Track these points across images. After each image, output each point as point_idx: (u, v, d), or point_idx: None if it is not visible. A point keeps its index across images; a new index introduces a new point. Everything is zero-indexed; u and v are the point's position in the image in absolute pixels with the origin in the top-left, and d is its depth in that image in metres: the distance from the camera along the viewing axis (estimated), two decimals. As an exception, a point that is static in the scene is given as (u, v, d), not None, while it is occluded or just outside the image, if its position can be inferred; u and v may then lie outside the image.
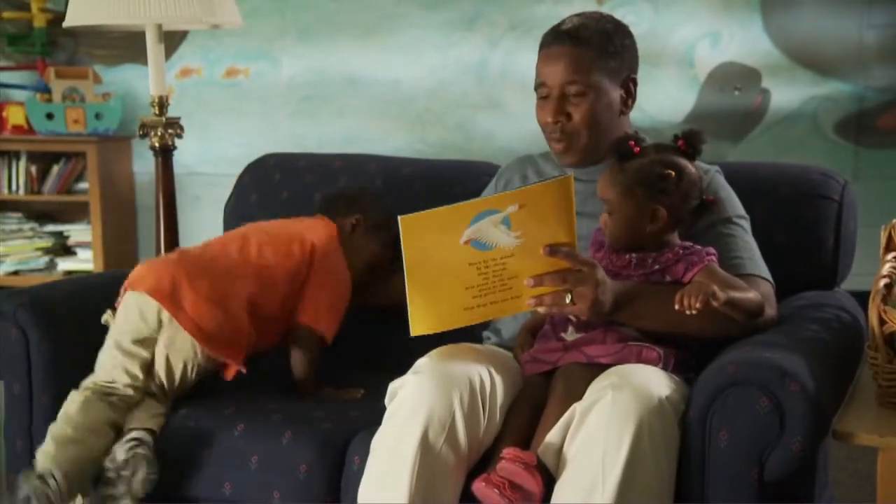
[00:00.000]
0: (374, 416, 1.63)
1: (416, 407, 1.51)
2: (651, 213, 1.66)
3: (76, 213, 4.71)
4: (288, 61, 4.58)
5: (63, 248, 4.74)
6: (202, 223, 4.18)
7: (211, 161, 4.70)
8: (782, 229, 1.95)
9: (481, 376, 1.55)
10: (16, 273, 4.66)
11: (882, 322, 1.46)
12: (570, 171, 1.76)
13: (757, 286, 1.70)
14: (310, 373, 1.92)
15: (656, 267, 1.67)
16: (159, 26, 2.43)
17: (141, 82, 4.74)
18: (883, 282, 1.54)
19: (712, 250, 1.67)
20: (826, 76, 4.14)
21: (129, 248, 4.75)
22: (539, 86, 1.84)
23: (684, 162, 1.71)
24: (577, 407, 1.48)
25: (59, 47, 4.75)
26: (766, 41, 4.17)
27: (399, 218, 1.51)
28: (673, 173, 1.66)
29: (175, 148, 2.52)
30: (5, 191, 4.62)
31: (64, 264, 4.68)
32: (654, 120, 4.28)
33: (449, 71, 4.36)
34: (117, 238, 4.67)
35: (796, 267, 1.94)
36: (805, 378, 1.40)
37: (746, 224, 1.81)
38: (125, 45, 4.63)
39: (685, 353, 1.66)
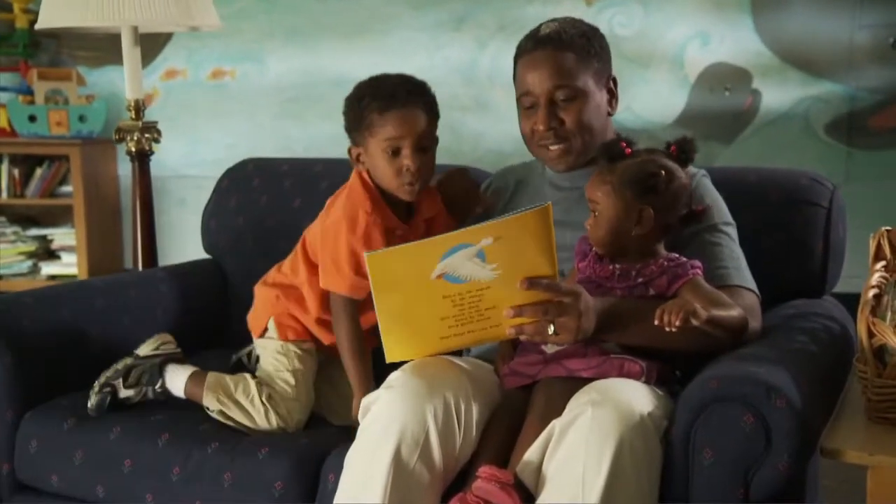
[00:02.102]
0: (351, 431, 1.58)
1: (389, 423, 1.46)
2: (638, 214, 1.62)
3: (60, 216, 4.66)
4: (274, 62, 4.54)
5: (47, 252, 4.69)
6: (187, 226, 4.13)
7: (196, 163, 4.65)
8: (770, 236, 1.90)
9: (456, 391, 1.50)
10: (0, 277, 4.60)
11: (871, 335, 1.41)
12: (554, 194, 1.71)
13: (741, 297, 1.65)
14: (349, 347, 1.78)
15: (640, 280, 1.63)
16: (135, 29, 2.38)
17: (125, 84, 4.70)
18: (871, 292, 1.49)
19: (698, 263, 1.63)
20: (817, 77, 4.10)
21: (113, 251, 4.69)
22: (523, 95, 1.79)
23: (675, 166, 1.67)
24: (556, 423, 1.43)
25: (41, 49, 4.70)
26: (756, 42, 4.12)
27: (365, 255, 1.47)
28: (663, 173, 1.62)
29: (152, 153, 2.46)
30: (-11, 194, 4.58)
31: (48, 268, 4.62)
32: (645, 121, 4.25)
33: (437, 72, 4.31)
34: (102, 242, 4.62)
35: (784, 274, 1.90)
36: (791, 393, 1.35)
37: (733, 231, 1.77)
38: (109, 47, 4.56)
39: (669, 365, 1.61)
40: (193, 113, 4.63)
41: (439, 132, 1.81)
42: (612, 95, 1.83)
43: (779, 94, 4.14)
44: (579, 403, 1.43)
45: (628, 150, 1.64)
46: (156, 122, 2.50)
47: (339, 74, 4.46)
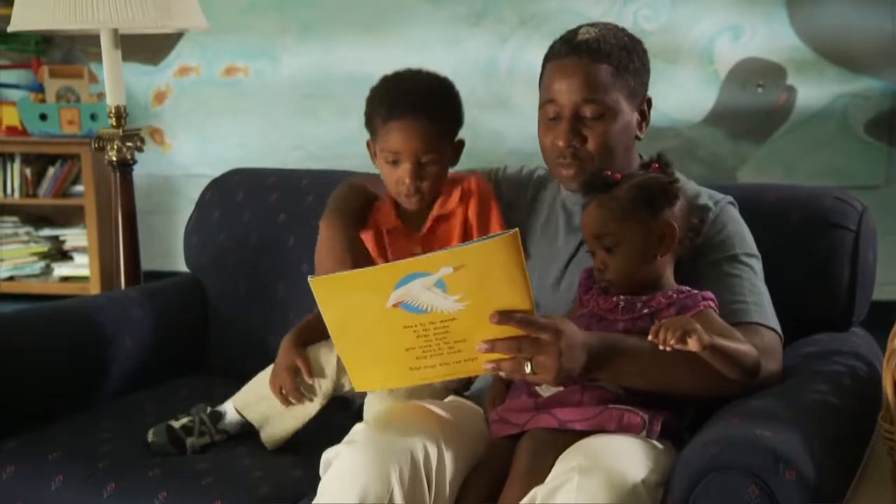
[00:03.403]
0: (318, 478, 1.43)
1: (349, 484, 1.31)
2: (660, 232, 1.46)
3: (72, 216, 4.58)
4: (288, 59, 4.42)
5: (60, 253, 4.61)
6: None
7: (209, 162, 4.53)
8: (791, 262, 1.72)
9: (426, 446, 1.34)
10: (11, 279, 4.54)
11: (897, 391, 1.23)
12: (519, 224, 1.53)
13: (760, 337, 1.48)
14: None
15: (645, 311, 1.46)
16: (115, 31, 2.24)
17: (139, 81, 4.60)
18: (900, 338, 1.31)
19: (710, 295, 1.46)
20: (856, 72, 3.90)
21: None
22: (547, 103, 1.61)
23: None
24: (538, 492, 1.27)
25: (54, 45, 4.61)
26: (791, 35, 3.93)
27: (309, 279, 1.33)
28: (670, 182, 1.49)
29: (135, 162, 2.33)
30: (0, 194, 4.50)
31: (60, 269, 4.55)
32: (671, 120, 4.09)
33: (456, 68, 4.10)
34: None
35: (806, 305, 1.72)
36: (804, 463, 1.17)
37: (757, 264, 1.59)
38: (122, 43, 4.46)
39: (676, 414, 1.44)
40: (206, 111, 4.52)
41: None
42: (644, 118, 1.65)
43: (815, 91, 3.95)
44: (565, 469, 1.27)
45: (618, 176, 1.50)
46: (138, 130, 2.36)
47: (354, 71, 4.33)
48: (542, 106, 1.62)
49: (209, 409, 1.73)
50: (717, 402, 1.42)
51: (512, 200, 1.75)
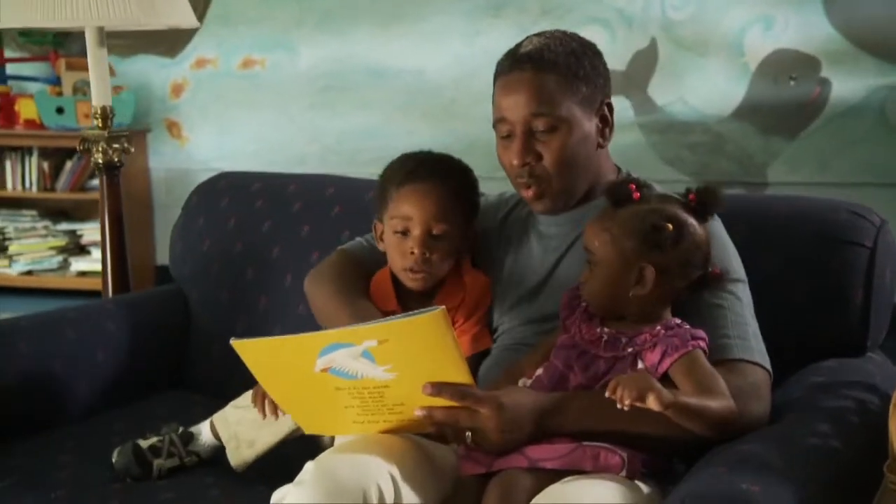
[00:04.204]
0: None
1: (297, 530, 1.21)
2: (638, 273, 1.35)
3: (90, 210, 4.54)
4: (306, 51, 4.34)
5: (77, 247, 4.58)
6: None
7: (228, 156, 4.48)
8: (800, 281, 1.59)
9: (380, 485, 1.24)
10: (29, 273, 4.52)
11: (902, 441, 1.10)
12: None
13: (743, 375, 1.36)
14: None
15: (629, 350, 1.36)
16: (100, 29, 2.16)
17: (157, 73, 4.55)
18: (909, 377, 1.18)
19: (701, 334, 1.34)
20: (895, 64, 3.72)
21: (144, 247, 4.54)
22: (498, 122, 1.53)
23: (691, 220, 1.40)
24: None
25: (72, 38, 4.56)
26: (826, 25, 3.78)
27: (231, 342, 1.28)
28: (671, 227, 1.36)
29: (121, 164, 2.24)
30: (18, 187, 4.49)
31: (77, 264, 4.52)
32: (699, 114, 3.96)
33: (476, 60, 4.06)
34: (132, 236, 4.44)
35: (816, 328, 1.59)
36: (794, 525, 1.05)
37: (743, 290, 1.46)
38: (140, 34, 4.41)
39: (658, 454, 1.33)
40: (224, 104, 4.47)
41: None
42: (606, 124, 1.55)
43: (851, 84, 3.80)
44: (536, 517, 1.17)
45: (637, 195, 1.38)
46: (126, 132, 2.28)
47: (372, 63, 4.26)
48: (494, 126, 1.54)
49: (181, 429, 1.65)
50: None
51: (484, 228, 1.67)
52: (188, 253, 2.05)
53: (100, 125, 2.22)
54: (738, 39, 3.88)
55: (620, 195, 1.38)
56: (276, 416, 1.46)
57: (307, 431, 1.43)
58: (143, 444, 1.60)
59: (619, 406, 1.21)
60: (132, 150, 2.27)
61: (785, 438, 1.25)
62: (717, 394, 1.30)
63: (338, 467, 1.25)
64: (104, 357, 1.84)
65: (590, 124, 1.51)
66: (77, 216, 4.61)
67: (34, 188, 4.48)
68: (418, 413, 1.29)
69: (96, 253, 4.50)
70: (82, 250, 4.58)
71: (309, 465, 1.26)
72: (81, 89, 4.38)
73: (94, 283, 4.35)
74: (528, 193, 1.54)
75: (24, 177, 4.49)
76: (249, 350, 1.30)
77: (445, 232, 1.56)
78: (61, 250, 4.55)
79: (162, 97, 4.53)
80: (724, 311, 1.41)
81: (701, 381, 1.30)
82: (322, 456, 1.29)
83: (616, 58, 3.99)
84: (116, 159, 2.22)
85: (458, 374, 1.27)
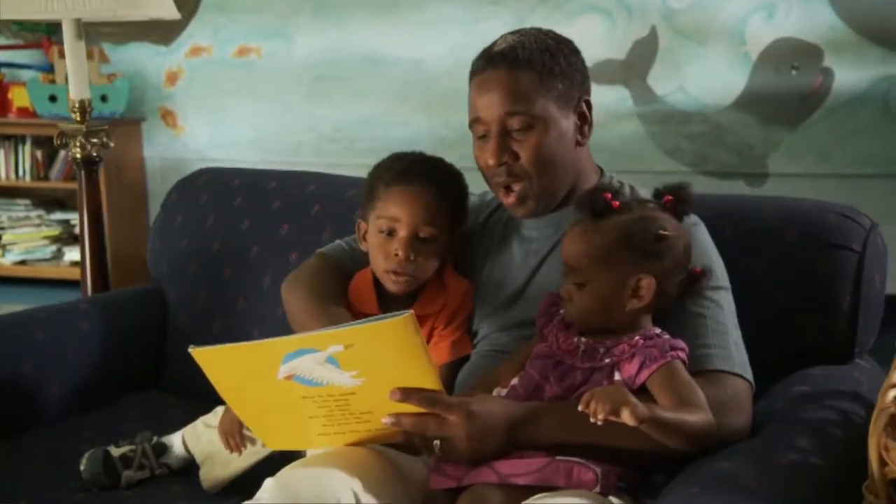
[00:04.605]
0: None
1: (254, 551, 1.18)
2: (635, 286, 1.31)
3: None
4: (302, 39, 4.29)
5: (71, 237, 4.54)
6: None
7: (223, 146, 4.44)
8: (786, 286, 1.55)
9: (341, 501, 1.21)
10: (23, 263, 4.49)
11: (883, 463, 1.06)
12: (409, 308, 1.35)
13: (723, 387, 1.32)
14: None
15: (606, 360, 1.31)
16: (77, 21, 2.12)
17: (151, 61, 4.49)
18: (892, 393, 1.14)
19: (680, 344, 1.30)
20: (900, 53, 3.67)
21: (139, 236, 4.50)
22: (473, 122, 1.49)
23: (674, 222, 1.37)
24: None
25: (66, 25, 4.52)
26: (829, 13, 3.71)
27: (189, 350, 1.24)
28: (668, 233, 1.32)
29: (100, 159, 2.20)
30: (12, 176, 4.46)
31: (71, 254, 4.49)
32: (699, 103, 3.90)
33: (474, 49, 3.87)
34: (127, 226, 4.44)
35: (804, 334, 1.55)
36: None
37: (725, 297, 1.42)
38: (135, 22, 4.36)
39: (633, 469, 1.29)
40: (219, 93, 4.42)
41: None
42: (585, 121, 1.50)
43: (854, 74, 3.74)
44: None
45: (616, 204, 1.34)
46: (105, 126, 2.23)
47: (369, 52, 4.20)
48: (470, 126, 1.50)
49: (155, 440, 1.61)
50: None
51: (465, 231, 1.62)
52: (166, 251, 2.02)
53: (77, 119, 2.17)
54: (739, 28, 3.82)
55: (598, 205, 1.33)
56: (241, 452, 1.42)
57: (270, 447, 1.40)
58: (115, 452, 1.57)
59: (592, 420, 1.17)
60: (111, 144, 2.23)
61: (763, 454, 1.21)
62: (694, 407, 1.25)
63: (298, 483, 1.22)
64: (77, 359, 1.81)
65: (567, 122, 1.47)
66: (71, 205, 4.57)
67: (27, 177, 4.44)
68: (386, 420, 1.25)
69: (91, 243, 4.46)
70: (76, 240, 4.53)
71: (268, 482, 1.22)
72: (75, 77, 4.33)
73: (89, 273, 4.36)
74: (509, 200, 1.49)
75: (17, 165, 4.45)
76: (209, 358, 1.26)
77: (432, 236, 1.52)
78: (55, 240, 4.52)
79: (156, 85, 4.49)
80: (705, 320, 1.37)
81: (679, 393, 1.26)
82: (283, 471, 1.25)
83: (615, 47, 3.93)
84: (95, 154, 2.17)
85: (428, 380, 1.23)
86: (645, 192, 1.49)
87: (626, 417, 1.16)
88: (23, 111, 4.38)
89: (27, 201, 4.52)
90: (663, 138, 3.97)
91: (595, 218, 1.33)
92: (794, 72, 3.80)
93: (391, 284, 1.53)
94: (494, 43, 1.49)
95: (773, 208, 1.62)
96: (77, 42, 2.13)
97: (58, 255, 4.51)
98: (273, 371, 1.22)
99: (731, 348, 1.36)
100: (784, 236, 1.57)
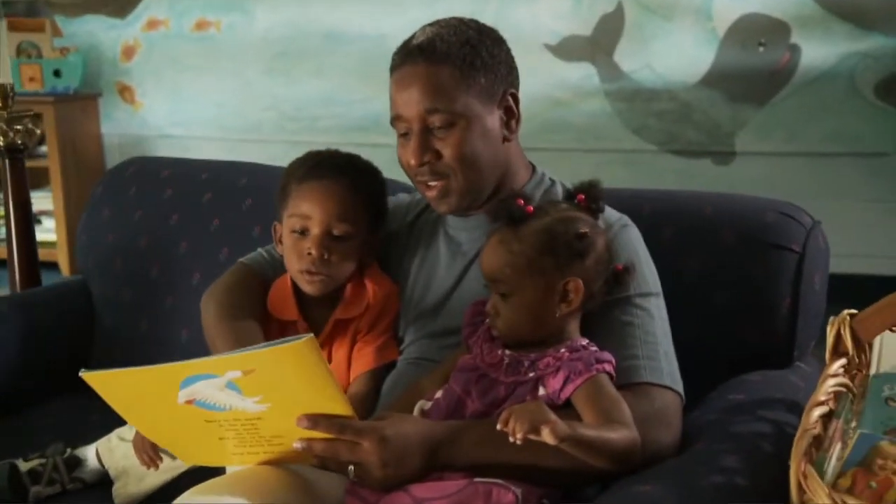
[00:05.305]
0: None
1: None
2: (563, 290, 1.26)
3: (40, 178, 4.39)
4: (262, 13, 4.19)
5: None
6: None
7: (182, 123, 4.36)
8: (722, 288, 1.49)
9: None
10: (-23, 243, 4.39)
11: (801, 490, 1.01)
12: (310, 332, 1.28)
13: (650, 400, 1.27)
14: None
15: (531, 374, 1.26)
16: (-2, 3, 2.02)
17: (106, 35, 4.38)
18: (816, 413, 1.09)
19: (607, 356, 1.25)
20: (867, 29, 3.63)
21: (97, 215, 4.42)
22: (394, 119, 1.42)
23: (591, 220, 1.32)
24: None
25: (16, -4, 4.40)
26: (796, -12, 3.64)
27: (81, 373, 1.18)
28: (588, 232, 1.28)
29: (25, 147, 2.11)
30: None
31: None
32: (666, 81, 3.84)
33: (437, 24, 3.89)
34: (84, 206, 4.33)
35: (741, 338, 1.49)
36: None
37: (655, 304, 1.36)
38: (88, -9, 4.27)
39: (556, 490, 1.23)
40: (178, 67, 4.32)
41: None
42: (512, 116, 1.43)
43: (821, 50, 3.69)
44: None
45: (530, 209, 1.28)
46: (29, 112, 2.14)
47: (329, 27, 4.11)
48: (391, 123, 1.44)
49: (68, 452, 1.54)
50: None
51: (392, 231, 1.56)
52: (92, 246, 1.94)
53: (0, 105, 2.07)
54: (705, 4, 3.76)
55: (514, 213, 1.27)
56: (157, 466, 1.36)
57: (186, 463, 1.34)
58: (23, 466, 1.50)
59: (511, 439, 1.12)
60: (38, 131, 2.15)
61: (686, 476, 1.15)
62: (618, 424, 1.20)
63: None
64: (-8, 362, 1.73)
65: (491, 117, 1.40)
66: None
67: (-17, 156, 4.33)
68: (297, 445, 1.20)
69: (47, 222, 4.37)
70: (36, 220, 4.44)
71: (180, 499, 1.16)
72: (26, 51, 4.23)
73: (46, 254, 4.23)
74: (431, 194, 1.43)
75: (-28, 143, 4.34)
76: (103, 382, 1.20)
77: (347, 233, 1.45)
78: None
79: (112, 60, 4.38)
80: (634, 329, 1.31)
81: (603, 408, 1.21)
82: (180, 499, 1.18)
83: (581, 22, 3.85)
84: (20, 142, 2.08)
85: (335, 405, 1.18)
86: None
87: (546, 436, 1.11)
88: (-25, 88, 4.26)
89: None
90: (630, 116, 3.91)
91: (512, 226, 1.27)
92: (761, 48, 3.74)
93: (306, 285, 1.46)
94: (413, 35, 1.42)
95: (712, 206, 1.56)
96: (-3, 23, 2.02)
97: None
98: (172, 395, 1.16)
99: (661, 359, 1.31)
100: (722, 235, 1.51)
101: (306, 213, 1.44)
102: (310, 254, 1.44)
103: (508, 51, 1.43)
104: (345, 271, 1.47)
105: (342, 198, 1.45)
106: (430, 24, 1.42)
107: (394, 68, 1.42)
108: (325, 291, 1.47)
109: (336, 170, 1.47)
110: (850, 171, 3.76)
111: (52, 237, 4.32)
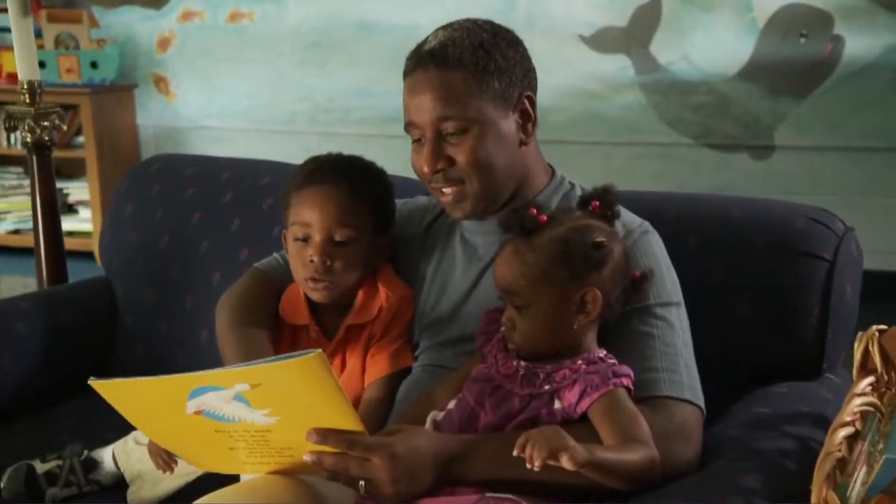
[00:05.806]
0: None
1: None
2: (580, 301, 1.23)
3: (77, 168, 4.44)
4: (295, 4, 4.18)
5: (65, 206, 4.48)
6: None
7: (216, 114, 4.36)
8: (750, 296, 1.45)
9: None
10: (16, 232, 4.45)
11: (821, 516, 0.97)
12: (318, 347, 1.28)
13: (669, 415, 1.23)
14: None
15: (546, 387, 1.23)
16: (25, -7, 2.02)
17: (142, 26, 4.39)
18: (841, 434, 1.04)
19: (625, 370, 1.21)
20: (914, 20, 3.53)
21: (133, 206, 4.45)
22: (408, 125, 1.40)
23: (607, 227, 1.28)
24: None
25: (56, -12, 4.42)
26: (840, -23, 3.56)
27: (90, 381, 1.18)
28: (605, 241, 1.24)
29: (53, 143, 2.11)
30: (3, 144, 4.39)
31: (65, 224, 4.37)
32: (703, 73, 3.78)
33: (471, 15, 3.82)
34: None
35: (767, 349, 1.45)
36: None
37: (676, 314, 1.32)
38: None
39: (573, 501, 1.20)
40: (212, 59, 4.32)
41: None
42: (529, 119, 1.39)
43: (865, 41, 3.61)
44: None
45: (544, 219, 1.25)
46: (56, 108, 2.13)
47: (362, 17, 4.09)
48: (405, 129, 1.41)
49: (85, 454, 1.54)
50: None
51: (408, 235, 1.53)
52: (115, 245, 1.93)
53: (27, 101, 2.07)
54: (746, -7, 3.67)
55: (527, 224, 1.24)
56: (172, 470, 1.35)
57: (200, 469, 1.34)
58: (40, 468, 1.50)
59: (528, 466, 1.09)
60: (64, 127, 2.14)
61: (703, 498, 1.12)
62: (636, 442, 1.17)
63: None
64: (13, 362, 1.73)
65: (507, 122, 1.37)
66: (64, 174, 4.49)
67: (18, 145, 4.37)
68: (307, 458, 1.18)
69: (84, 212, 4.42)
70: (70, 209, 4.48)
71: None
72: (65, 42, 4.25)
73: (82, 244, 4.29)
74: (446, 200, 1.41)
75: (8, 134, 4.38)
76: (111, 391, 1.19)
77: (349, 238, 1.42)
78: (49, 209, 4.46)
79: (148, 51, 4.39)
80: (653, 341, 1.27)
81: (620, 424, 1.18)
82: (203, 500, 1.18)
83: (616, 13, 3.79)
84: (47, 138, 2.08)
85: (345, 419, 1.16)
86: None
87: (566, 462, 1.08)
88: (12, 77, 4.29)
89: (20, 169, 4.46)
90: (665, 109, 3.84)
91: (525, 236, 1.24)
92: (802, 39, 3.66)
93: (312, 293, 1.44)
94: (425, 40, 1.39)
95: (742, 210, 1.51)
96: (22, 19, 2.03)
97: (51, 225, 4.45)
98: (181, 406, 1.15)
99: (681, 372, 1.27)
100: (750, 243, 1.47)
101: (307, 220, 1.43)
102: (312, 261, 1.42)
103: (525, 52, 1.40)
104: (350, 277, 1.45)
105: (342, 202, 1.43)
106: (443, 28, 1.39)
107: (406, 74, 1.39)
108: (331, 298, 1.45)
109: (335, 174, 1.45)
110: (892, 167, 3.67)
111: (88, 227, 4.36)
